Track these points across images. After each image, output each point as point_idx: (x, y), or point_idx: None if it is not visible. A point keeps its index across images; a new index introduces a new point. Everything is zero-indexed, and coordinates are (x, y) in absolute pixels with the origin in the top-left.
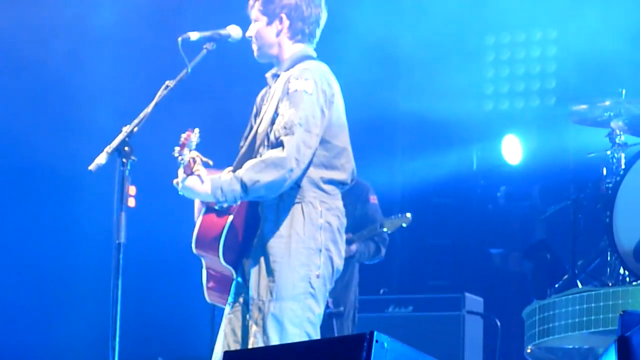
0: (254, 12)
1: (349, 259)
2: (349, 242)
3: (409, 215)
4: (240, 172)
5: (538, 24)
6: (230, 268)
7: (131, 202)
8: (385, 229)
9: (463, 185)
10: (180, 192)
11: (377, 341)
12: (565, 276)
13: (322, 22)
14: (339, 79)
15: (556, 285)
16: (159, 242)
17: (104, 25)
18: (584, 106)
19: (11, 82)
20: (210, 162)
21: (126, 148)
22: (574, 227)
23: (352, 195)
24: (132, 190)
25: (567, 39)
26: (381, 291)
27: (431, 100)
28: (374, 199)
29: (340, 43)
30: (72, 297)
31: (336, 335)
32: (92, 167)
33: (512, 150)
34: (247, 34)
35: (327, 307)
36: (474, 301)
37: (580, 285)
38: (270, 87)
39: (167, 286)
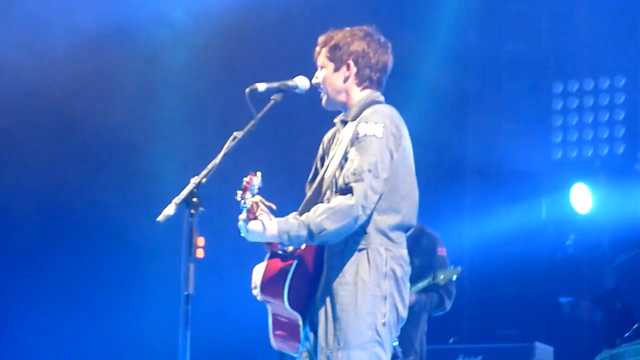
0: (321, 58)
1: (416, 308)
2: (418, 291)
3: (459, 268)
4: (307, 218)
5: (606, 72)
6: (296, 313)
7: (200, 253)
8: (439, 281)
9: (532, 233)
10: (242, 234)
11: None
12: (635, 325)
13: (389, 68)
14: (407, 125)
15: (626, 334)
16: (227, 293)
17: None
18: None
19: (75, 134)
20: (274, 207)
21: (194, 199)
22: None
23: (419, 246)
24: (200, 241)
25: (636, 86)
26: (450, 340)
27: (500, 148)
28: (442, 251)
29: (408, 89)
30: (141, 348)
31: None
32: (160, 218)
33: (582, 199)
34: (314, 81)
35: (396, 356)
36: (544, 350)
37: None
38: (338, 131)
39: (235, 336)
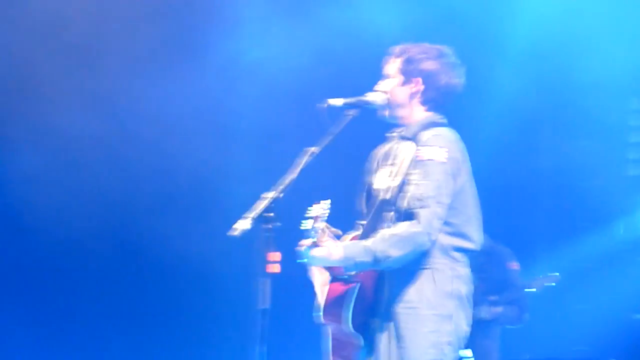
0: (392, 68)
1: (492, 322)
2: (494, 304)
3: (557, 274)
4: (373, 244)
5: None
6: (358, 335)
7: (276, 268)
8: (533, 289)
9: (608, 250)
10: (302, 261)
11: None
12: None
13: (458, 91)
14: (481, 143)
15: None
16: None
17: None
18: None
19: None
20: (340, 233)
21: (270, 214)
22: None
23: (494, 258)
24: (276, 256)
25: None
26: (527, 357)
27: (573, 164)
28: (515, 265)
29: (483, 105)
30: None
31: None
32: (235, 232)
33: None
34: (379, 88)
35: None
36: None
37: None
38: (391, 147)
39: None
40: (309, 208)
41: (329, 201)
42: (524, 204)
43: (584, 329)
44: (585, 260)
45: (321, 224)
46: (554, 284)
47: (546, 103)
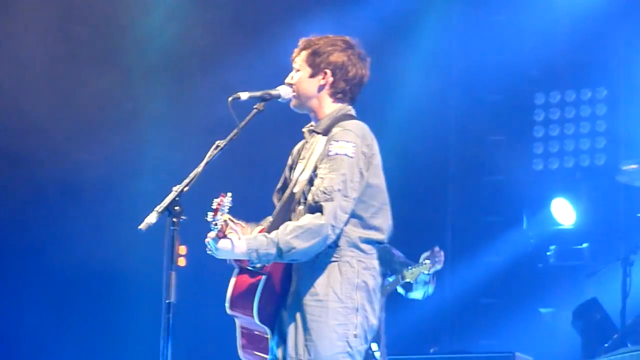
0: (299, 61)
1: None
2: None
3: (428, 262)
4: (276, 236)
5: (588, 83)
6: (266, 327)
7: (181, 262)
8: (407, 279)
9: (513, 244)
10: (209, 252)
11: None
12: (615, 335)
13: (365, 82)
14: (388, 137)
15: (606, 345)
16: (208, 302)
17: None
18: (634, 166)
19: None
20: (243, 225)
21: (177, 207)
22: (624, 287)
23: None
24: (182, 249)
25: (617, 97)
26: (431, 350)
27: (482, 159)
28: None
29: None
30: (122, 355)
31: None
32: (142, 226)
33: (563, 213)
34: (287, 80)
35: None
36: None
37: (629, 345)
38: (307, 142)
39: (216, 345)
40: (213, 200)
41: (230, 194)
42: (432, 198)
43: (491, 323)
44: (490, 253)
45: (224, 216)
46: (425, 272)
47: (454, 99)
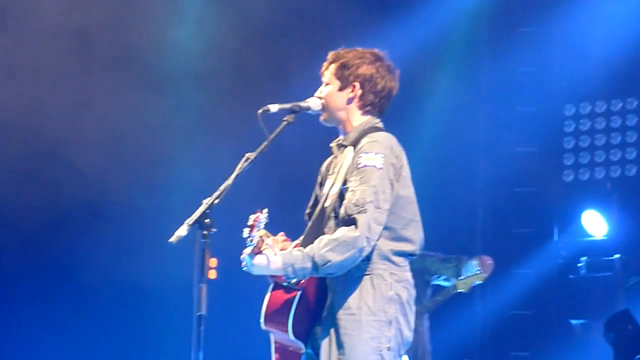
0: (328, 74)
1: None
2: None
3: (483, 274)
4: (312, 250)
5: (618, 94)
6: (300, 343)
7: (212, 274)
8: (460, 290)
9: (544, 255)
10: (244, 269)
11: None
12: None
13: (394, 94)
14: (419, 148)
15: (638, 357)
16: (239, 314)
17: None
18: None
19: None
20: (279, 240)
21: (207, 220)
22: None
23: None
24: (213, 262)
25: None
26: None
27: (512, 170)
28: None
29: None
30: None
31: None
32: (173, 239)
33: (594, 224)
34: (316, 94)
35: None
36: None
37: None
38: (335, 157)
39: (246, 358)
40: (249, 216)
41: (266, 210)
42: (462, 210)
43: (523, 334)
44: (524, 266)
45: (260, 232)
46: (479, 282)
47: (484, 110)
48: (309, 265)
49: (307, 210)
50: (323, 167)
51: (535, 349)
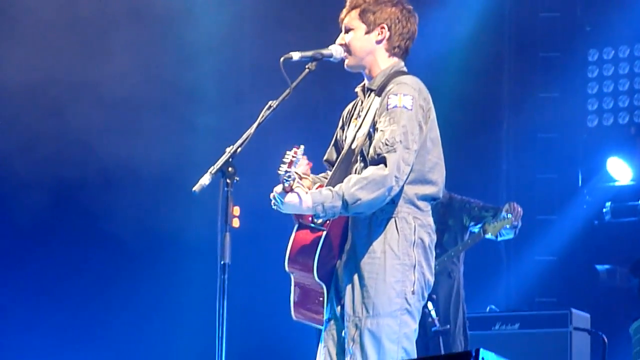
0: (350, 20)
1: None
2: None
3: (510, 217)
4: (341, 189)
5: None
6: (323, 284)
7: (235, 223)
8: (489, 235)
9: (569, 201)
10: (274, 207)
11: (482, 358)
12: None
13: (415, 37)
14: (443, 94)
15: None
16: (263, 262)
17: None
18: None
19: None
20: (310, 178)
21: (230, 169)
22: None
23: (452, 208)
24: (236, 210)
25: None
26: (487, 308)
27: (535, 116)
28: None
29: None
30: (178, 317)
31: (443, 353)
32: (196, 188)
33: (619, 170)
34: (339, 41)
35: (433, 324)
36: (581, 317)
37: None
38: (361, 101)
39: (272, 306)
40: (286, 153)
41: (302, 146)
42: (487, 157)
43: (548, 280)
44: (549, 211)
45: (297, 169)
46: (508, 226)
47: (506, 55)
48: (339, 203)
49: (325, 157)
50: (345, 112)
51: (560, 294)
